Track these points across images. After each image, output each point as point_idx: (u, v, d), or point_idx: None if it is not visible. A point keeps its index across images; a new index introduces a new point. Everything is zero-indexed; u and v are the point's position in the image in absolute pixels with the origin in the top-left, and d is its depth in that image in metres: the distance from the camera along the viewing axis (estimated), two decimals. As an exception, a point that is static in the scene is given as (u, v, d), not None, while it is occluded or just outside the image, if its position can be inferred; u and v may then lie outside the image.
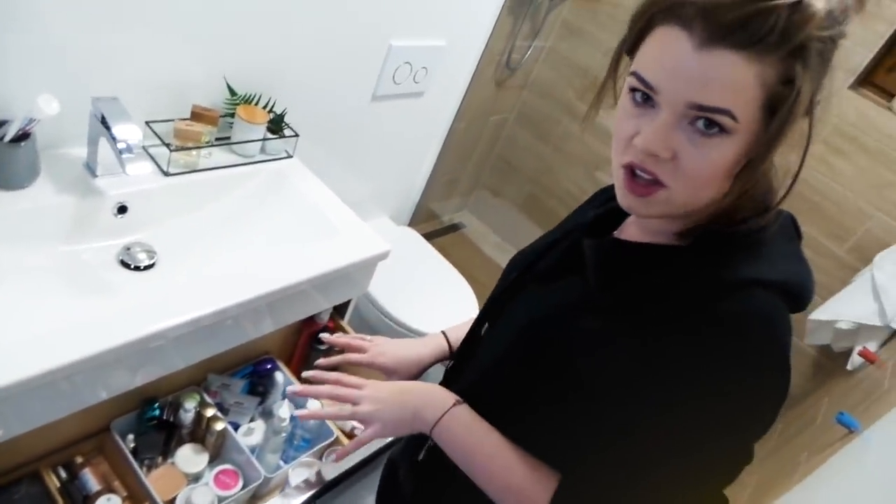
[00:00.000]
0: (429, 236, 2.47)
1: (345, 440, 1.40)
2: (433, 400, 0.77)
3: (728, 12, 0.52)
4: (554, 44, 2.69)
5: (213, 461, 1.30)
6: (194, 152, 1.22)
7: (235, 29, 1.23)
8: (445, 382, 0.90)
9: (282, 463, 1.35)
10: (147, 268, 1.12)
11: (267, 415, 1.41)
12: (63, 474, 1.16)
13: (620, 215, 0.76)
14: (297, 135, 1.40)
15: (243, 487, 1.26)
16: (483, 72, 2.10)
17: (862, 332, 1.84)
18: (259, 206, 1.30)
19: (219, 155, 1.29)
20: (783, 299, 0.62)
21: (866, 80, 2.08)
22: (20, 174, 1.02)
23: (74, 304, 0.99)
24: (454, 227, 3.13)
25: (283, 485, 1.34)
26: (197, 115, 1.24)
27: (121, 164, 0.99)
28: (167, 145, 1.19)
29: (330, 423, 1.39)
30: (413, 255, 2.09)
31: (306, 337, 1.49)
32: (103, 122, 1.00)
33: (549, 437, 0.71)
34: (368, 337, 0.98)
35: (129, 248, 1.12)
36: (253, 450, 1.32)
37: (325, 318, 1.45)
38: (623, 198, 0.64)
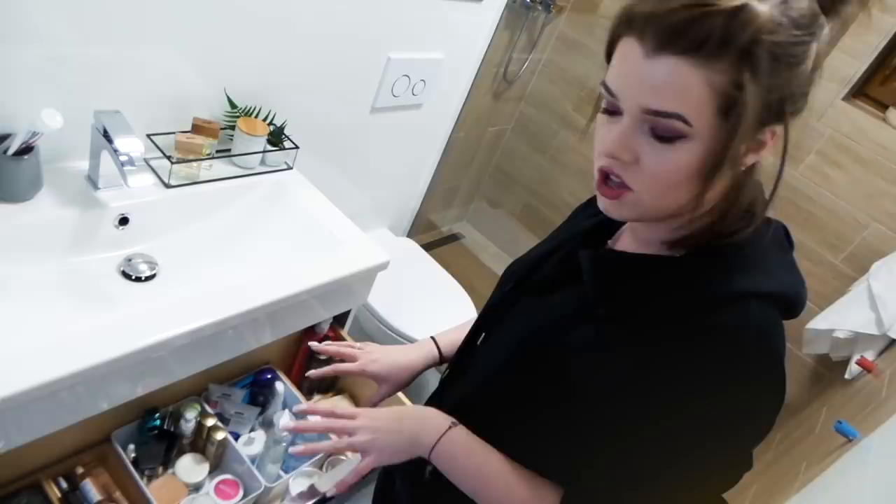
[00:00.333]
0: (428, 247, 2.49)
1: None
2: (428, 424, 0.77)
3: (668, 19, 0.54)
4: (551, 56, 2.72)
5: (213, 471, 1.30)
6: (195, 164, 1.24)
7: (235, 42, 1.24)
8: (441, 392, 0.91)
9: (282, 473, 1.35)
10: (148, 279, 1.12)
11: (267, 425, 1.41)
12: (64, 485, 1.16)
13: (613, 224, 0.78)
14: (296, 147, 1.42)
15: (244, 497, 1.26)
16: (481, 84, 2.12)
17: (859, 342, 1.85)
18: (259, 218, 1.31)
19: (219, 167, 1.30)
20: (777, 308, 0.63)
21: (860, 91, 2.09)
22: (23, 187, 1.03)
23: (76, 314, 1.00)
24: (453, 238, 3.14)
25: (284, 495, 1.34)
26: (198, 128, 1.25)
27: (122, 177, 1.00)
28: (168, 158, 1.20)
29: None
30: (412, 265, 2.10)
31: (306, 347, 1.49)
32: (105, 135, 1.01)
33: (548, 448, 0.72)
34: (359, 344, 0.98)
35: (130, 260, 1.13)
36: (253, 460, 1.32)
37: (325, 328, 1.45)
38: (599, 200, 0.66)
